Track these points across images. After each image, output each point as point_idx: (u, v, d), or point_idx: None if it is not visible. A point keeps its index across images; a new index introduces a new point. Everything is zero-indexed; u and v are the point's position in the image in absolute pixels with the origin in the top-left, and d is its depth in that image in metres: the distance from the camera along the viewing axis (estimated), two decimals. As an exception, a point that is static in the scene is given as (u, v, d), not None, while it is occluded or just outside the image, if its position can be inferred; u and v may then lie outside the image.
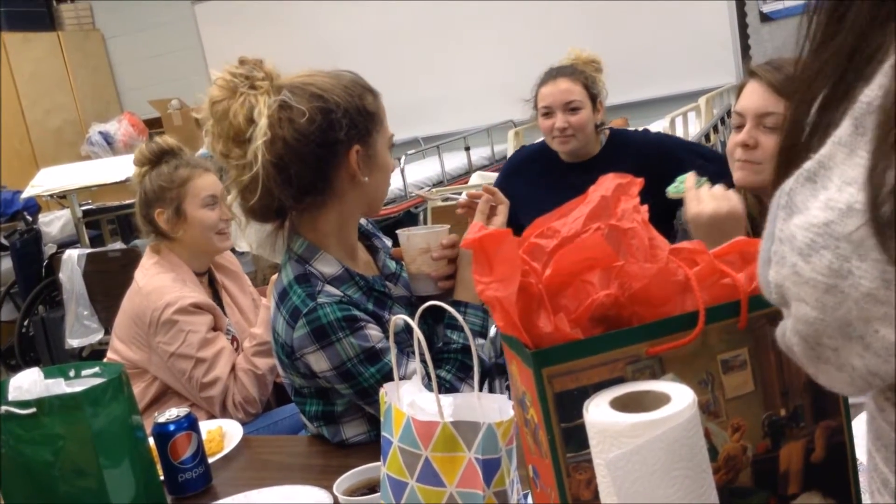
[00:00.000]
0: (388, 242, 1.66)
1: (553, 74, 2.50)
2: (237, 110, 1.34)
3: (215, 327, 2.02)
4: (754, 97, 1.53)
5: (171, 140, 2.12)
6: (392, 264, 1.59)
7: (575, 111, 2.44)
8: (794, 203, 0.52)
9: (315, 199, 1.42)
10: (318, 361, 1.38)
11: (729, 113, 3.89)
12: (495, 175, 4.57)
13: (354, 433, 1.46)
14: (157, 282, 2.01)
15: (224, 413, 1.96)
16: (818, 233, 0.50)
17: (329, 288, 1.40)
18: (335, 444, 1.48)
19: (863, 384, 0.53)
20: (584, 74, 2.50)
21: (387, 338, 1.38)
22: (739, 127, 1.55)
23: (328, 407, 1.46)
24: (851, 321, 0.50)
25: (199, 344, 1.96)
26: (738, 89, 1.61)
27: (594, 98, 2.48)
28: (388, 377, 1.35)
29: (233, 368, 1.99)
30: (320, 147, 1.37)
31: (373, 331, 1.38)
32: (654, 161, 2.37)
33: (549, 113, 2.45)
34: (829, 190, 0.50)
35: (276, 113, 1.34)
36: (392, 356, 0.97)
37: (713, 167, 1.88)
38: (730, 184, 1.56)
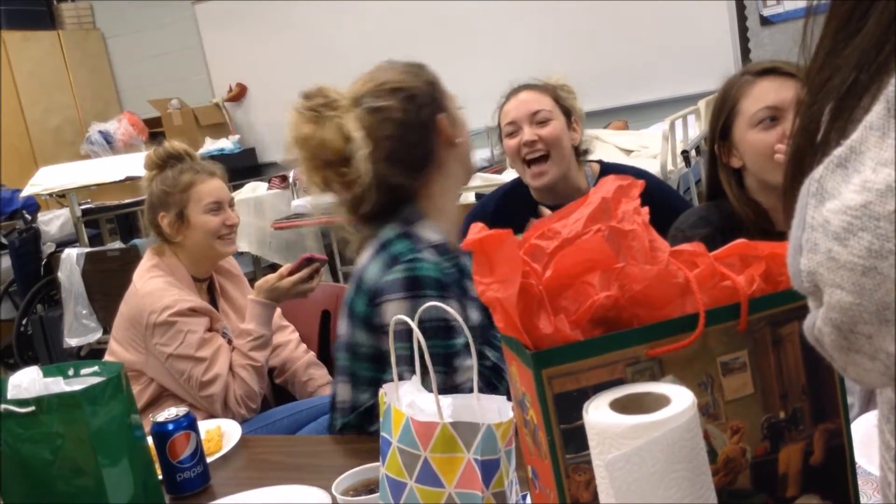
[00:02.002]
0: None
1: (515, 90, 2.14)
2: (332, 136, 1.44)
3: (211, 329, 2.02)
4: (787, 91, 1.51)
5: (178, 144, 2.12)
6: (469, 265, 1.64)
7: (543, 123, 2.04)
8: (824, 189, 0.52)
9: (425, 175, 1.51)
10: (398, 310, 1.37)
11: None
12: (495, 177, 4.58)
13: None
14: (153, 285, 2.02)
15: (226, 411, 1.96)
16: (855, 215, 0.50)
17: (431, 251, 1.45)
18: (370, 432, 1.47)
19: None
20: (553, 89, 2.12)
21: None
22: (772, 121, 1.52)
23: (378, 374, 1.46)
24: (889, 304, 0.50)
25: (197, 344, 1.96)
26: (730, 91, 1.57)
27: (567, 114, 2.10)
28: (449, 360, 1.37)
29: (230, 367, 1.99)
30: (419, 126, 1.48)
31: (456, 305, 1.40)
32: (655, 208, 2.15)
33: (514, 131, 2.06)
34: (863, 173, 0.50)
35: (369, 119, 1.44)
36: (392, 359, 0.97)
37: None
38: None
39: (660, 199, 2.05)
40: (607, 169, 2.16)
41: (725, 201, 1.63)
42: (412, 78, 1.50)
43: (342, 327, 1.52)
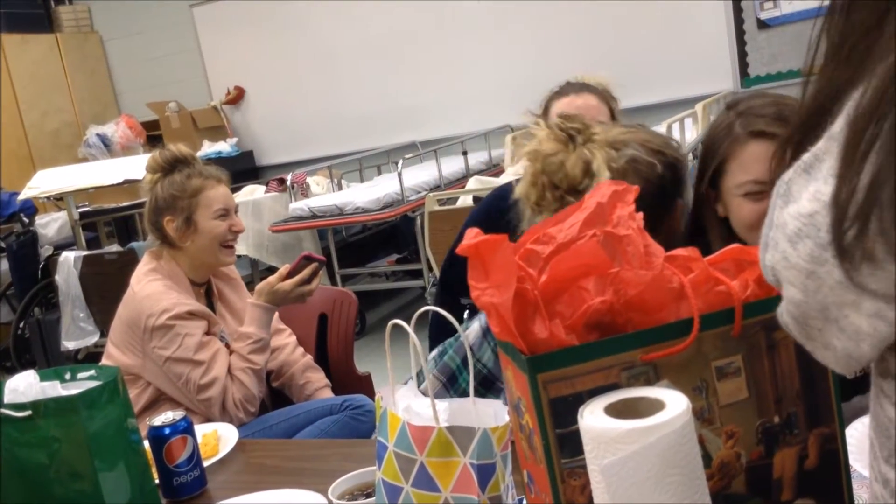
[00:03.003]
0: None
1: (576, 87, 2.07)
2: (574, 163, 1.37)
3: (209, 332, 2.02)
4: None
5: (184, 149, 2.12)
6: None
7: None
8: (790, 192, 0.56)
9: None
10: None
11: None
12: (492, 179, 4.59)
13: None
14: (151, 288, 2.01)
15: (224, 414, 1.96)
16: (805, 222, 0.54)
17: None
18: None
19: (846, 364, 0.57)
20: (607, 98, 2.08)
21: None
22: (760, 193, 1.39)
23: (446, 390, 1.42)
24: (828, 305, 0.54)
25: (195, 347, 1.96)
26: (719, 143, 1.45)
27: None
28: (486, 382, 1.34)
29: (228, 370, 1.99)
30: (662, 196, 1.41)
31: None
32: None
33: None
34: (818, 181, 0.54)
35: (625, 166, 1.38)
36: (388, 363, 0.97)
37: None
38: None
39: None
40: None
41: (708, 238, 1.52)
42: (673, 150, 1.44)
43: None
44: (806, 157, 0.55)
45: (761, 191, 1.39)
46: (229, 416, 1.96)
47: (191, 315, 1.98)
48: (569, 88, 2.08)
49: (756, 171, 1.40)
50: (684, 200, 1.45)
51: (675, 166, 1.41)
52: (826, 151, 0.54)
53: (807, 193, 0.55)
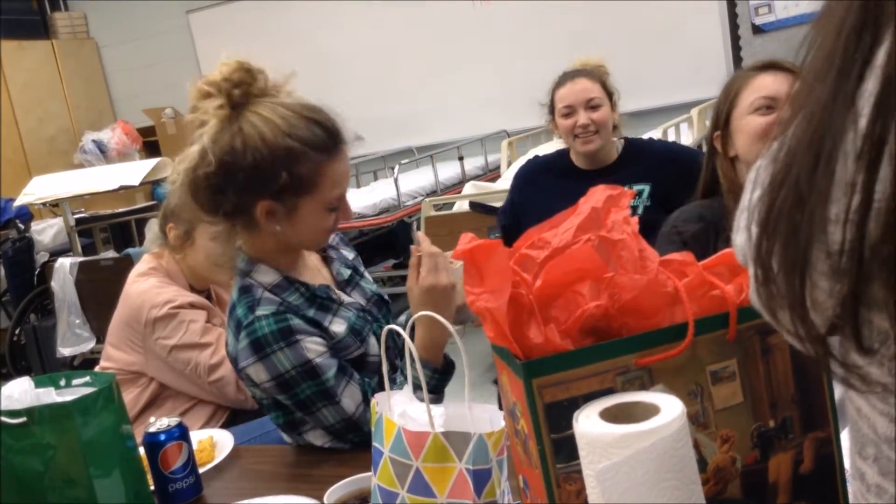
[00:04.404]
0: (350, 255, 1.67)
1: (570, 76, 2.51)
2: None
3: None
4: (785, 84, 1.56)
5: None
6: (345, 272, 1.61)
7: (596, 108, 2.44)
8: (759, 178, 0.57)
9: (236, 223, 1.45)
10: (258, 373, 1.41)
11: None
12: (489, 184, 4.60)
13: (320, 442, 1.50)
14: (148, 284, 2.04)
15: (238, 391, 1.96)
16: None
17: (268, 295, 1.44)
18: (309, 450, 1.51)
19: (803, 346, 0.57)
20: (599, 74, 2.52)
21: (328, 350, 1.42)
22: (768, 109, 1.57)
23: (288, 416, 1.49)
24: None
25: (201, 331, 1.98)
26: (732, 85, 1.63)
27: (611, 96, 2.50)
28: (327, 394, 1.40)
29: None
30: (219, 190, 1.40)
31: (311, 344, 1.40)
32: (670, 172, 2.40)
33: (570, 113, 2.45)
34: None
35: (216, 140, 1.38)
36: (384, 368, 0.97)
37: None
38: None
39: (684, 160, 2.33)
40: (632, 143, 2.56)
41: (720, 199, 1.66)
42: (268, 151, 1.36)
43: None
44: (775, 144, 0.56)
45: (770, 105, 1.55)
46: (244, 394, 1.96)
47: (192, 305, 2.01)
48: (565, 78, 2.51)
49: (766, 90, 1.57)
50: (286, 204, 1.39)
51: (248, 168, 1.35)
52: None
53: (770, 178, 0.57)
